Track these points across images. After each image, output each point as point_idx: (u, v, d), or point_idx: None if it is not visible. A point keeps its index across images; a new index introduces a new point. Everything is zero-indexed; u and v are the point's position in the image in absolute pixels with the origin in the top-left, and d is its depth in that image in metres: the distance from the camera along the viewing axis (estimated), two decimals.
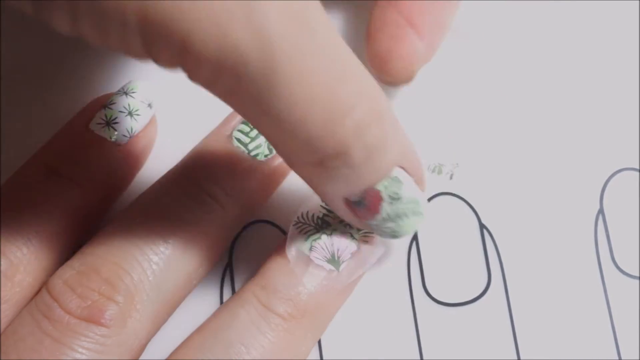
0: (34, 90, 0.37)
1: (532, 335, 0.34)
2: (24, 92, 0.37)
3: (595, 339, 0.34)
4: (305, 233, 0.32)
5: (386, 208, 0.29)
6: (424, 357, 0.34)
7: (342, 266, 0.32)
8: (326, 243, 0.32)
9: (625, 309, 0.34)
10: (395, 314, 0.34)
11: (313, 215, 0.33)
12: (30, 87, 0.37)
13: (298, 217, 0.33)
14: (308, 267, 0.32)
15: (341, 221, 0.32)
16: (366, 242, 0.33)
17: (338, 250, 0.32)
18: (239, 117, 0.34)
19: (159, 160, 0.35)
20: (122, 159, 0.34)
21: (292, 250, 0.32)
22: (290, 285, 0.31)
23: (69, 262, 0.31)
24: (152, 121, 0.35)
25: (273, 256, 0.33)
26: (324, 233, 0.32)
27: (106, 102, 0.34)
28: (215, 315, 0.32)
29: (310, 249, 0.32)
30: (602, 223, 0.35)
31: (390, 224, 0.30)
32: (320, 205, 0.33)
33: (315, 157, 0.27)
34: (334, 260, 0.32)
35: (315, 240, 0.32)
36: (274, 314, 0.31)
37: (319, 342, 0.34)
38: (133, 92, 0.34)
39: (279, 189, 0.35)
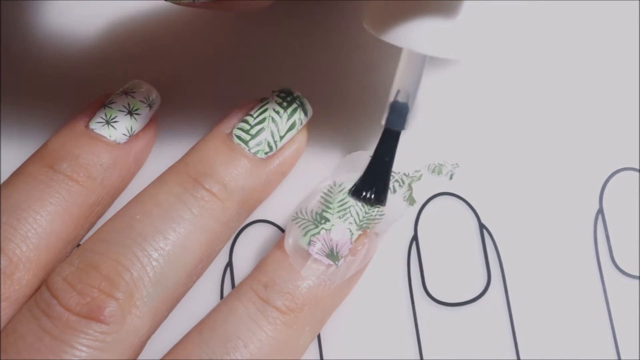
0: (34, 90, 0.37)
1: (531, 335, 0.34)
2: (24, 92, 0.37)
3: (595, 339, 0.34)
4: (304, 228, 0.32)
5: None
6: (424, 357, 0.34)
7: (341, 261, 0.32)
8: (325, 238, 0.32)
9: (624, 308, 0.34)
10: (395, 314, 0.34)
11: (312, 211, 0.33)
12: (30, 87, 0.37)
13: (297, 213, 0.33)
14: (307, 262, 0.32)
15: (340, 217, 0.32)
16: (365, 236, 0.33)
17: (337, 245, 0.32)
18: (239, 115, 0.34)
19: (159, 160, 0.35)
20: (121, 158, 0.34)
21: (291, 245, 0.32)
22: (289, 279, 0.31)
23: (69, 259, 0.31)
24: (152, 121, 0.35)
25: (272, 251, 0.33)
26: (323, 228, 0.32)
27: (106, 101, 0.34)
28: (214, 310, 0.32)
29: (309, 244, 0.32)
30: (601, 223, 0.35)
31: None
32: (319, 202, 0.33)
33: None
34: (332, 254, 0.32)
35: (314, 235, 0.32)
36: (272, 307, 0.31)
37: (319, 341, 0.34)
38: (133, 92, 0.34)
39: (279, 188, 0.35)
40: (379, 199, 0.33)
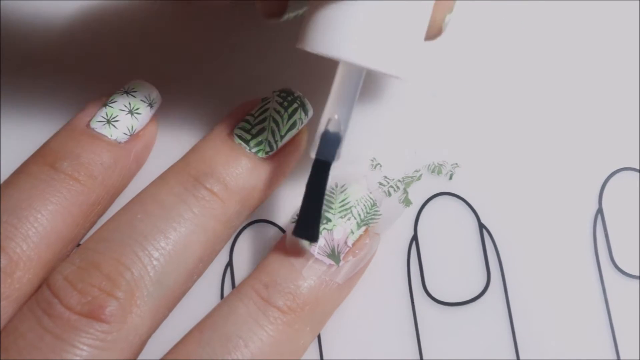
0: (34, 90, 0.37)
1: (531, 335, 0.34)
2: (24, 92, 0.37)
3: (594, 339, 0.34)
4: None
5: None
6: (424, 357, 0.34)
7: (342, 261, 0.32)
8: (326, 238, 0.32)
9: (623, 308, 0.34)
10: (395, 314, 0.34)
11: None
12: (30, 87, 0.37)
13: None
14: (308, 262, 0.32)
15: (342, 217, 0.32)
16: (366, 236, 0.33)
17: (338, 245, 0.32)
18: (240, 115, 0.34)
19: (159, 160, 0.35)
20: (122, 157, 0.34)
21: (292, 245, 0.32)
22: (290, 279, 0.32)
23: (70, 258, 0.31)
24: (152, 120, 0.35)
25: (273, 251, 0.33)
26: (324, 228, 0.32)
27: (107, 101, 0.34)
28: (214, 309, 0.32)
29: (310, 244, 0.32)
30: (601, 223, 0.35)
31: None
32: None
33: None
34: (333, 255, 0.32)
35: None
36: (273, 307, 0.31)
37: (320, 341, 0.34)
38: (134, 91, 0.34)
39: (279, 188, 0.35)
40: (312, 236, 0.31)
